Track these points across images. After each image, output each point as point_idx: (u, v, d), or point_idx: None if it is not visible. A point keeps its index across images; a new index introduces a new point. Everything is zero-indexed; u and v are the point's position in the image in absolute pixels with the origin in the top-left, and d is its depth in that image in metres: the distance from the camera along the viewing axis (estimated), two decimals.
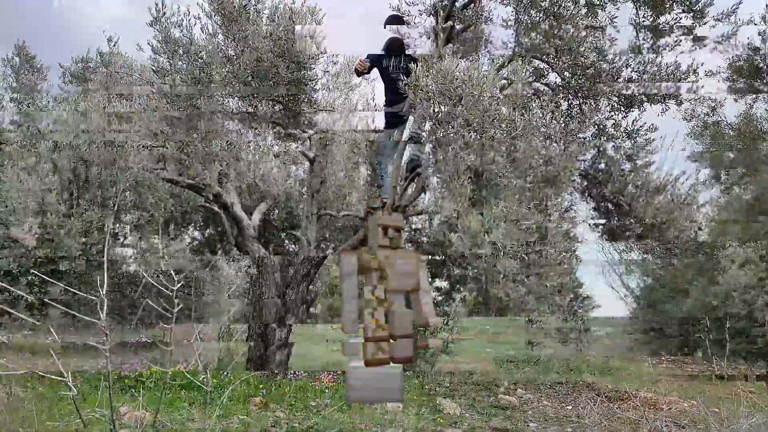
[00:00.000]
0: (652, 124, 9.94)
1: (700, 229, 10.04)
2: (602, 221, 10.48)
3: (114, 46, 13.45)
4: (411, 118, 9.63)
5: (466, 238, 6.10)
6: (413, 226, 13.72)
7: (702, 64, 9.73)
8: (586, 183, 10.48)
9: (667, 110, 9.93)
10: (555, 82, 10.23)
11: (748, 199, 17.70)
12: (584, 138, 9.42)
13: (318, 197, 11.59)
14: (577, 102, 9.91)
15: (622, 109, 10.03)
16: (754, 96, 16.44)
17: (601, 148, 10.28)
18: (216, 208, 11.29)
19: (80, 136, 9.89)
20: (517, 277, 6.74)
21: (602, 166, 10.31)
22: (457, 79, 6.50)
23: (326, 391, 8.65)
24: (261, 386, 8.58)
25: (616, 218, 10.25)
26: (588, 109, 9.61)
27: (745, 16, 10.71)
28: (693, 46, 9.64)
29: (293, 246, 13.94)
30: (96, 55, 14.55)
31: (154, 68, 9.89)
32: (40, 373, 3.88)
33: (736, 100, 17.89)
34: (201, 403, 7.66)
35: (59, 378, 3.64)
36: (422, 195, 10.59)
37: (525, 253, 6.54)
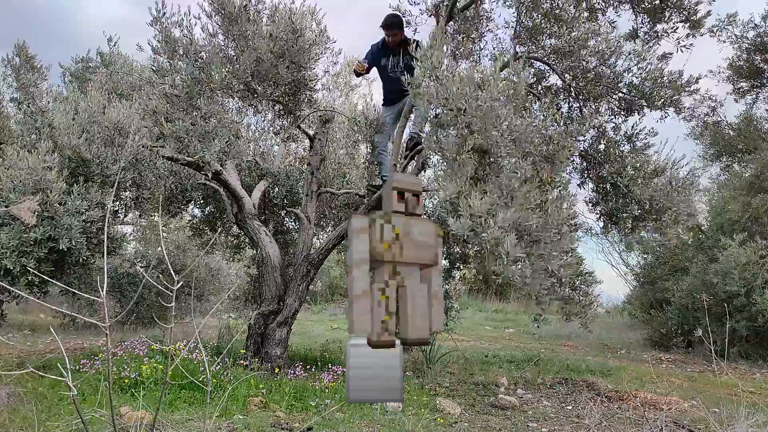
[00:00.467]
0: (652, 128, 9.94)
1: (692, 215, 10.01)
2: (600, 202, 10.49)
3: (114, 46, 13.39)
4: (411, 117, 9.59)
5: (468, 218, 6.05)
6: None
7: (704, 75, 9.74)
8: (585, 164, 10.46)
9: (666, 117, 9.93)
10: (556, 85, 10.22)
11: (748, 177, 17.70)
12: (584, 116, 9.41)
13: (318, 175, 11.56)
14: (577, 105, 9.90)
15: (623, 113, 10.02)
16: (754, 96, 16.39)
17: (600, 129, 10.26)
18: (216, 186, 11.26)
19: (81, 114, 9.85)
20: (520, 257, 6.71)
21: (601, 146, 10.29)
22: (457, 93, 6.43)
23: (326, 391, 8.66)
24: (261, 386, 8.59)
25: (614, 200, 10.24)
26: (588, 112, 9.59)
27: (745, 16, 10.65)
28: (690, 33, 9.62)
29: (293, 224, 13.91)
30: (96, 55, 14.50)
31: (153, 68, 9.86)
32: (39, 373, 3.85)
33: (736, 101, 17.85)
34: (201, 403, 7.68)
35: (59, 378, 3.61)
36: (422, 172, 10.56)
37: (526, 232, 6.51)
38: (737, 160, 19.41)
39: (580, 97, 9.82)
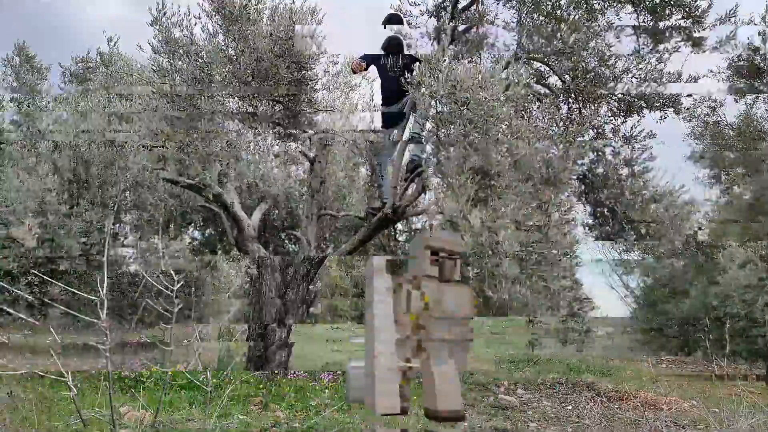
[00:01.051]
0: (651, 131, 9.99)
1: (695, 235, 10.05)
2: (597, 226, 10.52)
3: (114, 46, 13.48)
4: (411, 118, 9.63)
5: (468, 238, 6.09)
6: (413, 226, 13.72)
7: (702, 76, 9.81)
8: (583, 187, 10.50)
9: (665, 117, 9.99)
10: (556, 85, 10.26)
11: (748, 199, 17.71)
12: (584, 140, 9.46)
13: (318, 197, 11.60)
14: (577, 106, 9.95)
15: (622, 114, 10.08)
16: (755, 96, 16.47)
17: (600, 153, 10.30)
18: (216, 208, 11.29)
19: (80, 136, 9.91)
20: (520, 278, 6.75)
21: (600, 170, 10.34)
22: (461, 81, 6.49)
23: (326, 391, 8.65)
24: (261, 386, 8.58)
25: (611, 223, 10.28)
26: (588, 113, 9.65)
27: (745, 16, 10.74)
28: (692, 51, 9.68)
29: (293, 246, 13.94)
30: (96, 55, 14.60)
31: (154, 68, 9.91)
32: (40, 373, 3.87)
33: (736, 101, 17.91)
34: (201, 403, 7.67)
35: (59, 378, 3.63)
36: (423, 195, 10.60)
37: (526, 254, 6.55)
38: (737, 182, 19.41)
39: (580, 98, 9.87)
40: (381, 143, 10.81)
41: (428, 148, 9.36)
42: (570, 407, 9.21)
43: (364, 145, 11.13)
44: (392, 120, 10.31)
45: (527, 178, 6.89)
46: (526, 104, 7.17)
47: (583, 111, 10.01)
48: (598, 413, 7.89)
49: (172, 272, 4.42)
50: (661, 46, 9.72)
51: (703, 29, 9.50)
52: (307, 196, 11.82)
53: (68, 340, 16.02)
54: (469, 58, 10.04)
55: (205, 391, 6.49)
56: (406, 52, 10.10)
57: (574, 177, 9.77)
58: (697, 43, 9.58)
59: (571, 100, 10.16)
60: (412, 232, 13.78)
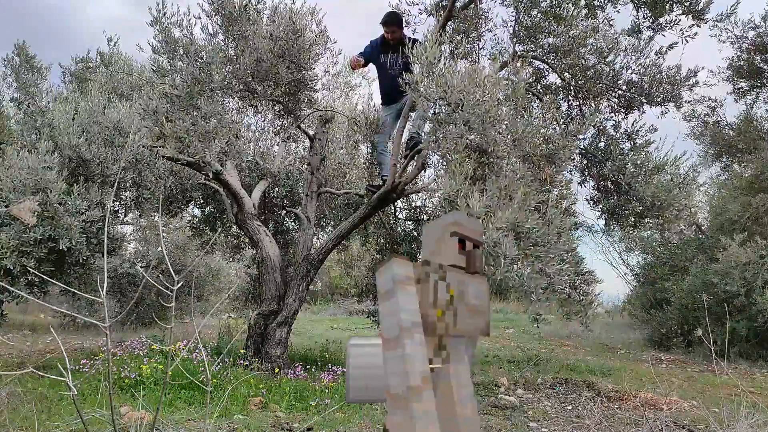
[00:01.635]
0: (652, 125, 9.98)
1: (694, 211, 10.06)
2: (601, 199, 10.51)
3: (114, 46, 13.42)
4: (411, 116, 9.62)
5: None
6: (413, 204, 13.68)
7: (703, 68, 9.77)
8: (585, 162, 10.48)
9: (666, 113, 9.96)
10: (555, 84, 10.23)
11: (747, 177, 17.70)
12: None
13: (318, 175, 11.58)
14: (577, 104, 9.91)
15: (622, 110, 10.05)
16: (755, 96, 16.39)
17: (600, 127, 10.28)
18: (216, 186, 11.27)
19: (81, 114, 9.88)
20: (518, 258, 6.70)
21: (602, 144, 10.32)
22: (454, 87, 6.43)
23: (326, 391, 8.66)
24: (261, 386, 8.60)
25: (615, 197, 10.26)
26: (588, 110, 9.61)
27: (745, 16, 10.68)
28: (692, 24, 9.61)
29: (293, 224, 13.93)
30: (96, 56, 14.52)
31: (154, 68, 9.89)
32: (39, 374, 3.85)
33: (736, 101, 17.85)
34: (201, 403, 7.69)
35: (59, 378, 3.61)
36: (422, 173, 10.56)
37: (524, 233, 6.51)
38: (737, 160, 19.42)
39: (579, 95, 9.84)
40: (381, 121, 10.79)
41: (426, 126, 9.34)
42: (570, 407, 9.22)
43: (364, 122, 11.08)
44: (392, 98, 10.31)
45: (525, 156, 6.85)
46: (525, 104, 7.11)
47: (584, 108, 9.98)
48: (598, 413, 7.88)
49: (173, 272, 4.38)
50: (661, 19, 9.69)
51: (705, 22, 9.48)
52: (306, 174, 11.80)
53: (67, 319, 16.12)
54: (466, 56, 9.99)
55: (205, 391, 6.50)
56: (405, 32, 10.07)
57: (575, 155, 9.74)
58: (697, 17, 9.53)
59: (570, 98, 10.15)
60: (412, 210, 13.74)
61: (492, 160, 6.79)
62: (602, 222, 10.94)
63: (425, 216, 13.17)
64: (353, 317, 23.77)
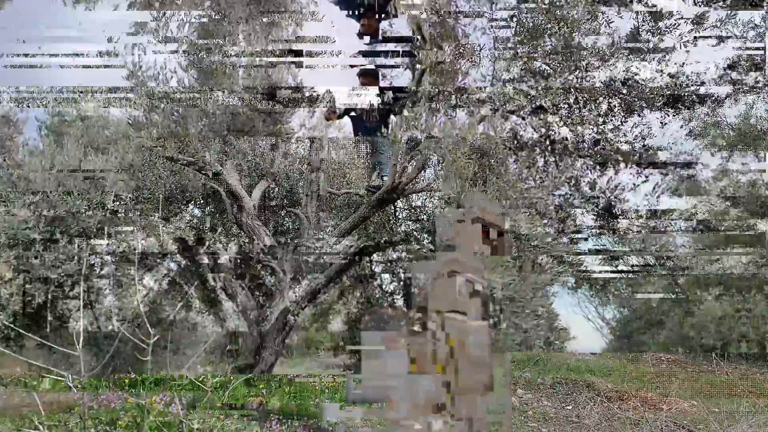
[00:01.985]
0: (630, 183, 10.01)
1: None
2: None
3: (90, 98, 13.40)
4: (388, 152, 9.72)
5: None
6: (413, 204, 13.69)
7: (705, 71, 9.78)
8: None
9: (667, 116, 9.97)
10: (531, 138, 10.24)
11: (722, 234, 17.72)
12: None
13: (318, 175, 11.57)
14: (553, 159, 9.92)
15: (598, 167, 10.07)
16: (755, 96, 16.41)
17: (574, 184, 10.28)
18: (216, 186, 11.25)
19: (55, 167, 9.91)
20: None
21: (576, 202, 10.35)
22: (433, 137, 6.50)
23: (326, 391, 8.65)
24: (261, 386, 8.59)
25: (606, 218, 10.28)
26: (563, 165, 9.64)
27: (745, 16, 10.70)
28: (692, 29, 9.62)
29: (293, 224, 13.92)
30: (72, 109, 14.45)
31: (129, 122, 9.90)
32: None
33: (736, 101, 17.86)
34: (201, 403, 7.67)
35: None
36: (423, 172, 10.57)
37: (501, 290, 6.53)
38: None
39: (556, 150, 9.83)
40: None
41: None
42: (570, 407, 9.23)
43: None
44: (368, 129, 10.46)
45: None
46: (502, 160, 7.17)
47: (559, 164, 9.99)
48: (598, 413, 7.91)
49: (149, 327, 4.37)
50: (661, 24, 9.69)
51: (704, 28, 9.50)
52: (306, 174, 11.80)
53: (42, 369, 16.01)
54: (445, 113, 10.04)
55: (205, 391, 6.50)
56: (381, 83, 10.19)
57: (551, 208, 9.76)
58: (696, 22, 9.54)
59: (546, 153, 10.15)
60: (412, 210, 13.75)
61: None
62: (572, 281, 10.97)
63: (425, 216, 13.18)
64: (329, 370, 23.78)
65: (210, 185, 11.38)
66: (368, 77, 10.02)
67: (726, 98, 10.65)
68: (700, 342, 14.21)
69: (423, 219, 13.14)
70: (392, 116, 8.00)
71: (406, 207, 13.84)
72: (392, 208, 13.32)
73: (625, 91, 9.55)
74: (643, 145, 9.87)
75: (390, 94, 8.15)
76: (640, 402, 9.03)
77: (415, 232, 13.27)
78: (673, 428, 7.63)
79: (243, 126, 9.58)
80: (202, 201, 13.34)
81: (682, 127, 10.48)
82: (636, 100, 9.58)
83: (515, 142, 10.43)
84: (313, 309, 19.19)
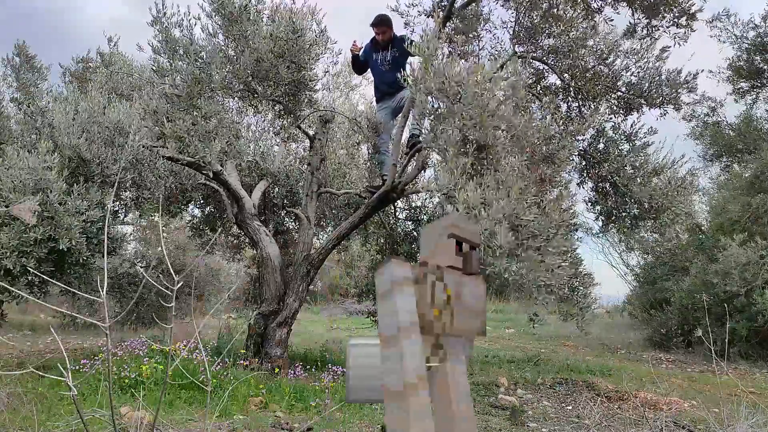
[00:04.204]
0: (651, 127, 9.97)
1: (690, 215, 10.06)
2: (599, 201, 10.51)
3: (114, 46, 13.35)
4: (410, 114, 9.59)
5: (462, 210, 6.02)
6: (413, 204, 13.68)
7: (702, 70, 9.78)
8: (584, 163, 10.47)
9: (665, 114, 9.96)
10: (555, 85, 10.23)
11: (748, 177, 17.68)
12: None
13: (318, 175, 11.57)
14: (576, 104, 9.91)
15: (622, 112, 10.05)
16: (755, 96, 16.39)
17: (599, 128, 10.27)
18: (216, 186, 11.25)
19: (81, 114, 9.87)
20: (515, 250, 6.68)
21: (600, 146, 10.31)
22: (452, 77, 6.42)
23: (326, 391, 8.65)
24: (261, 386, 8.59)
25: (613, 199, 10.26)
26: (588, 111, 9.61)
27: (745, 16, 10.72)
28: (687, 27, 9.61)
29: (293, 224, 13.92)
30: (96, 56, 14.47)
31: (154, 68, 9.90)
32: (39, 373, 3.84)
33: (736, 101, 17.85)
34: (201, 403, 7.68)
35: (59, 378, 3.60)
36: (422, 172, 10.56)
37: (522, 225, 6.48)
38: (737, 160, 19.42)
39: (579, 96, 9.83)
40: (381, 121, 10.79)
41: (426, 122, 9.33)
42: (570, 407, 9.22)
43: (366, 124, 11.07)
44: (385, 94, 10.40)
45: (522, 150, 6.84)
46: (524, 104, 7.10)
47: (583, 109, 9.98)
48: (598, 413, 7.89)
49: (173, 272, 4.37)
50: (655, 22, 9.69)
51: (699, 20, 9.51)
52: (306, 174, 11.80)
53: (67, 319, 16.09)
54: (465, 56, 10.01)
55: (205, 391, 6.50)
56: (399, 35, 10.12)
57: (574, 154, 9.73)
58: (689, 18, 9.53)
59: (570, 99, 10.15)
60: (412, 210, 13.74)
61: (491, 156, 6.78)
62: (599, 223, 10.93)
63: (425, 216, 13.18)
64: (353, 317, 23.71)
65: (210, 185, 11.38)
66: (382, 26, 10.00)
67: None
68: (723, 288, 14.21)
69: (422, 219, 13.14)
70: (410, 59, 7.99)
71: (406, 207, 13.85)
72: (392, 208, 13.32)
73: None
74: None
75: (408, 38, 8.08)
76: (640, 402, 9.02)
77: (414, 233, 13.25)
78: (673, 428, 7.62)
79: (267, 72, 9.54)
80: (202, 201, 13.36)
81: None
82: None
83: (538, 87, 10.47)
84: (338, 255, 19.19)
